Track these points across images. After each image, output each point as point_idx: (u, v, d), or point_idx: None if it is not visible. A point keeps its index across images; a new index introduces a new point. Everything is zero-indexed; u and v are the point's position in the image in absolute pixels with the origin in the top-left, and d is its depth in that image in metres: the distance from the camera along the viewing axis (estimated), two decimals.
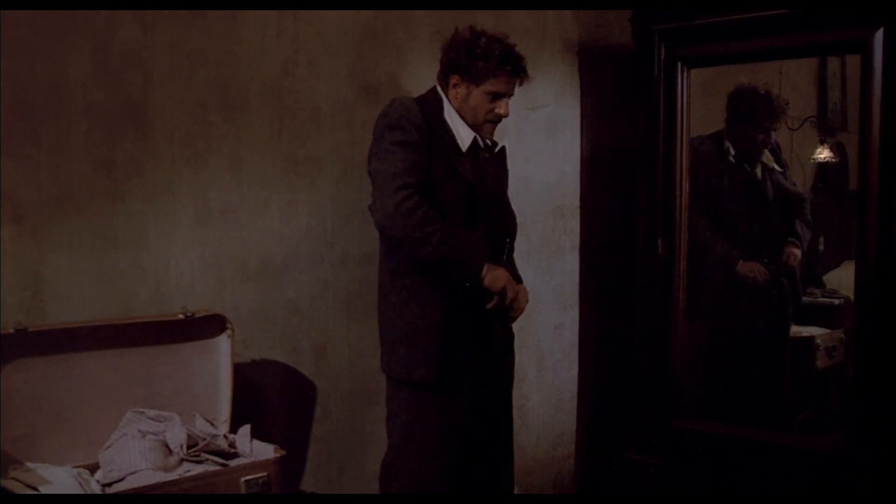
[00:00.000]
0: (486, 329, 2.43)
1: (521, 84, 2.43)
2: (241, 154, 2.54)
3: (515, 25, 3.22)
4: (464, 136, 2.41)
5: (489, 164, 2.49)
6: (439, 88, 2.45)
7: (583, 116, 3.45)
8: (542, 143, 3.33)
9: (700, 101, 2.93)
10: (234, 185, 2.53)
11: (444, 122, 2.40)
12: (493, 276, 2.33)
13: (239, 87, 2.52)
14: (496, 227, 2.45)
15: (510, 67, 2.35)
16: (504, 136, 3.17)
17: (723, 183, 3.15)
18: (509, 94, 2.41)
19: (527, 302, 2.47)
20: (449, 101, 2.43)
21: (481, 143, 2.46)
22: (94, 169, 2.27)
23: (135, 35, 2.32)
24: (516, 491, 3.35)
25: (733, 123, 3.16)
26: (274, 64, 2.59)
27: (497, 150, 2.54)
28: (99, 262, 2.29)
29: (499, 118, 2.43)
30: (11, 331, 2.04)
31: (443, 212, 2.30)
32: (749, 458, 2.76)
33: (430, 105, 2.41)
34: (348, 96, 2.75)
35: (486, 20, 3.08)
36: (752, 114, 3.12)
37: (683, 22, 2.78)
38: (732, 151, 3.15)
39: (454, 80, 2.40)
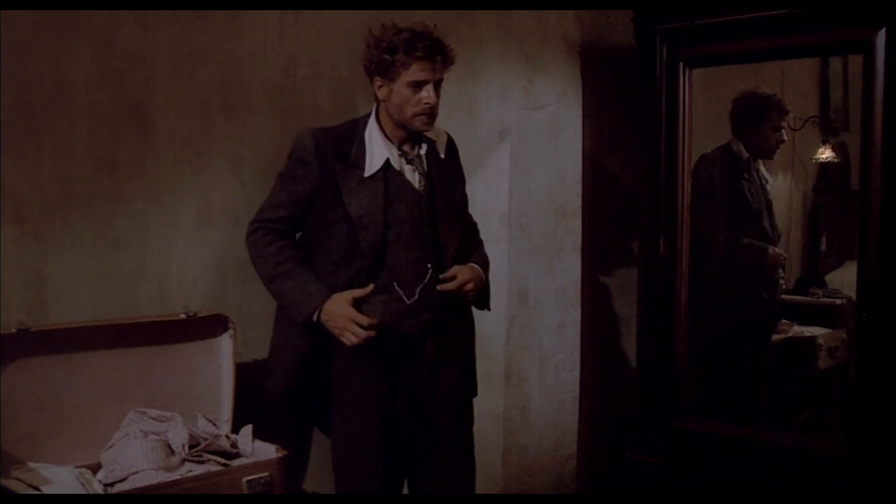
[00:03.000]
0: (406, 344, 2.37)
1: (445, 65, 2.28)
2: (243, 154, 2.54)
3: (517, 25, 3.22)
4: (375, 157, 2.31)
5: (425, 176, 2.38)
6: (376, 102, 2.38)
7: (584, 116, 3.45)
8: (543, 143, 3.33)
9: (702, 101, 2.93)
10: (236, 185, 2.54)
11: (363, 143, 2.32)
12: (328, 322, 2.28)
13: (241, 88, 2.53)
14: (416, 251, 2.35)
15: (420, 53, 2.22)
16: (507, 135, 3.19)
17: (745, 193, 3.16)
18: (433, 80, 2.26)
19: (472, 281, 2.42)
20: (377, 113, 2.35)
21: (395, 161, 2.34)
22: (96, 169, 2.27)
23: (137, 35, 2.32)
24: (517, 491, 3.35)
25: (747, 128, 3.16)
26: (276, 64, 2.59)
27: (444, 152, 2.44)
28: (101, 262, 2.29)
29: (428, 108, 2.27)
30: (13, 331, 2.04)
31: (327, 251, 2.32)
32: (750, 458, 2.76)
33: (342, 132, 2.35)
34: (350, 96, 2.75)
35: (486, 20, 3.09)
36: (766, 114, 3.14)
37: (685, 22, 2.77)
38: (750, 160, 3.15)
39: (377, 82, 2.30)
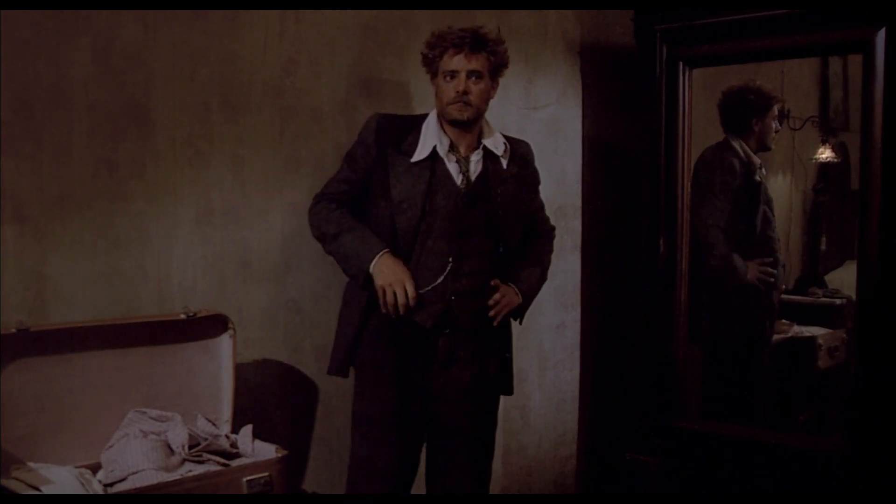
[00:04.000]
0: (419, 339, 2.38)
1: (481, 57, 2.34)
2: (242, 154, 2.54)
3: (517, 25, 3.22)
4: (426, 145, 2.38)
5: (476, 174, 2.42)
6: None
7: (584, 116, 3.45)
8: (543, 143, 3.32)
9: (702, 101, 2.93)
10: (236, 184, 2.53)
11: (419, 132, 2.40)
12: (379, 273, 2.32)
13: (241, 87, 2.53)
14: (442, 243, 2.37)
15: (449, 43, 2.33)
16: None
17: (759, 193, 3.15)
18: (465, 69, 2.33)
19: (510, 303, 2.46)
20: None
21: (442, 151, 2.38)
22: (95, 169, 2.27)
23: (137, 35, 2.32)
24: (517, 491, 3.36)
25: (751, 123, 3.14)
26: (275, 64, 2.59)
27: (507, 162, 2.46)
28: (101, 262, 2.29)
29: (458, 96, 2.33)
30: (13, 331, 2.03)
31: (375, 231, 2.38)
32: (750, 458, 2.76)
33: (406, 120, 2.45)
34: (350, 96, 2.75)
35: (487, 20, 3.08)
36: (768, 103, 3.13)
37: (685, 22, 2.78)
38: (756, 160, 3.14)
39: (431, 80, 2.43)
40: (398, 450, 2.42)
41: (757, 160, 3.14)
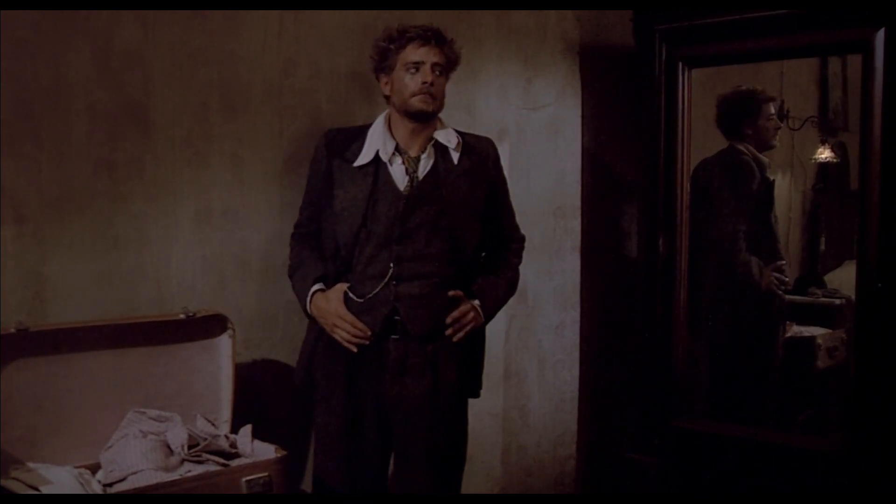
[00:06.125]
0: (369, 347, 2.32)
1: (443, 51, 2.32)
2: (242, 154, 2.54)
3: (516, 25, 3.22)
4: (368, 150, 2.33)
5: (424, 174, 2.35)
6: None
7: (584, 116, 3.45)
8: (543, 143, 3.33)
9: (701, 101, 2.93)
10: (235, 184, 2.53)
11: (365, 138, 2.36)
12: (317, 317, 2.36)
13: (240, 87, 2.53)
14: (382, 249, 2.31)
15: (412, 35, 2.31)
16: (506, 136, 3.19)
17: (772, 197, 3.15)
18: (429, 61, 2.30)
19: (468, 322, 2.38)
20: (388, 113, 2.40)
21: (385, 156, 2.33)
22: (95, 169, 2.27)
23: (136, 35, 2.32)
24: (516, 491, 3.36)
25: (743, 127, 3.14)
26: (275, 64, 2.59)
27: (458, 156, 2.38)
28: (100, 263, 2.29)
29: (425, 87, 2.28)
30: (13, 331, 2.03)
31: (323, 245, 2.40)
32: (749, 458, 2.76)
33: (354, 130, 2.42)
34: (349, 96, 2.75)
35: (486, 20, 3.09)
36: (758, 105, 3.12)
37: (685, 22, 2.78)
38: (765, 159, 3.14)
39: (383, 80, 2.37)
40: (349, 461, 2.37)
41: (765, 160, 3.13)
